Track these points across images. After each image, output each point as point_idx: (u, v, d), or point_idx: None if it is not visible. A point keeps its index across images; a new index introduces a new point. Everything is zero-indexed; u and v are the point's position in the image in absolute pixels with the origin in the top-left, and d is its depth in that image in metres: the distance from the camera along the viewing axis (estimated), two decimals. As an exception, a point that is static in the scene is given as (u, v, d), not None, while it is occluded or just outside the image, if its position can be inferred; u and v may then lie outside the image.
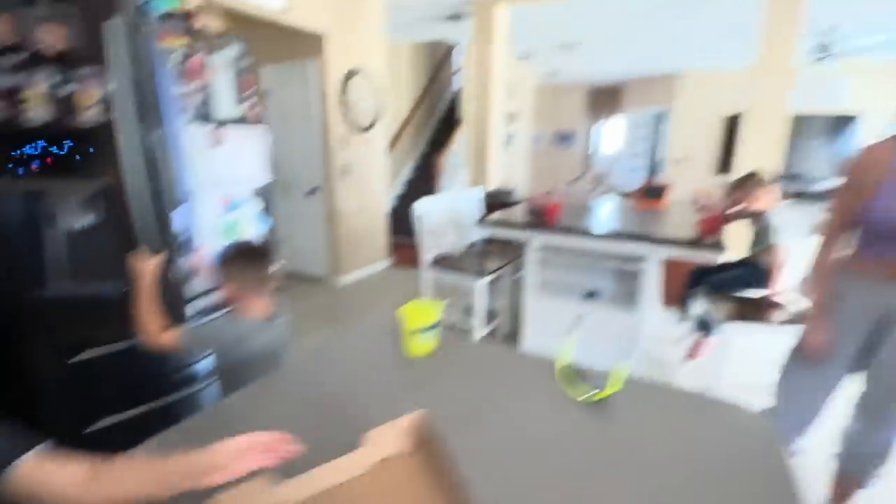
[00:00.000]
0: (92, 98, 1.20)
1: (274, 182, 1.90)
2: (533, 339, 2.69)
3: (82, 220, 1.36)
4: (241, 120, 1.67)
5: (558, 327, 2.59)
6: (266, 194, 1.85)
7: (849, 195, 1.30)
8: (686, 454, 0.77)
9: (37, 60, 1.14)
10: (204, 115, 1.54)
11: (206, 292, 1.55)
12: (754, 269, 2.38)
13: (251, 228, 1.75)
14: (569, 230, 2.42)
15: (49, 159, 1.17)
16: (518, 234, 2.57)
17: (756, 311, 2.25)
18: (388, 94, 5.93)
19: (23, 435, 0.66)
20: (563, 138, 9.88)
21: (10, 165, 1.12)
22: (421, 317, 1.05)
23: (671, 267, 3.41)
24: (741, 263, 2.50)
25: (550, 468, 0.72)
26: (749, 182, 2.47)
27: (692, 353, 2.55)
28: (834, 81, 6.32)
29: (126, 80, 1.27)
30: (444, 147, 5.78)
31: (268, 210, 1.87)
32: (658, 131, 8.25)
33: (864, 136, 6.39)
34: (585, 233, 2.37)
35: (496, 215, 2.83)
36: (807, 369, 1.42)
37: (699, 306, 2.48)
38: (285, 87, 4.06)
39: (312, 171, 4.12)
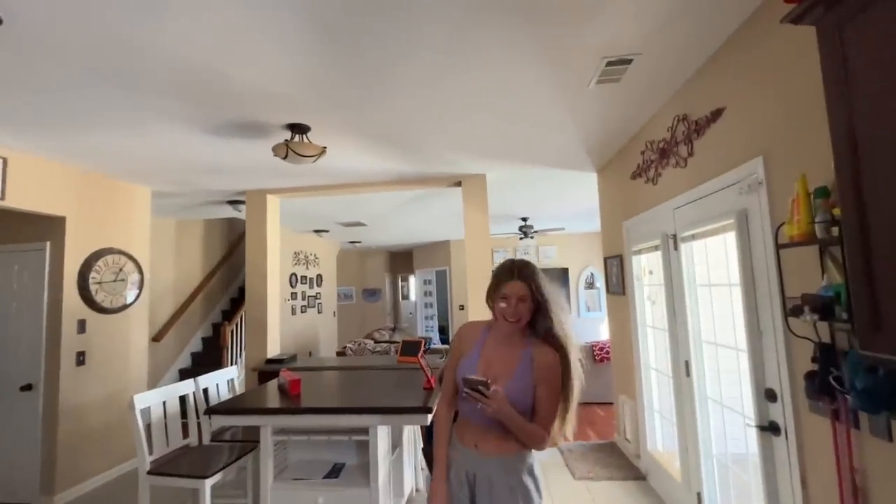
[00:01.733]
0: None
1: None
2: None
3: None
4: None
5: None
6: None
7: (451, 362, 1.46)
8: None
9: None
10: None
11: None
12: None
13: None
14: (291, 410, 2.21)
15: None
16: (248, 420, 2.25)
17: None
18: (170, 268, 5.38)
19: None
20: (371, 293, 10.24)
21: None
22: None
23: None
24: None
25: None
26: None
27: (427, 518, 2.39)
28: (545, 247, 8.24)
29: None
30: (232, 318, 5.27)
31: None
32: (444, 284, 9.23)
33: (572, 281, 8.26)
34: (308, 410, 2.20)
35: (229, 400, 2.47)
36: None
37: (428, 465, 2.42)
38: (5, 271, 3.26)
39: (31, 363, 3.15)
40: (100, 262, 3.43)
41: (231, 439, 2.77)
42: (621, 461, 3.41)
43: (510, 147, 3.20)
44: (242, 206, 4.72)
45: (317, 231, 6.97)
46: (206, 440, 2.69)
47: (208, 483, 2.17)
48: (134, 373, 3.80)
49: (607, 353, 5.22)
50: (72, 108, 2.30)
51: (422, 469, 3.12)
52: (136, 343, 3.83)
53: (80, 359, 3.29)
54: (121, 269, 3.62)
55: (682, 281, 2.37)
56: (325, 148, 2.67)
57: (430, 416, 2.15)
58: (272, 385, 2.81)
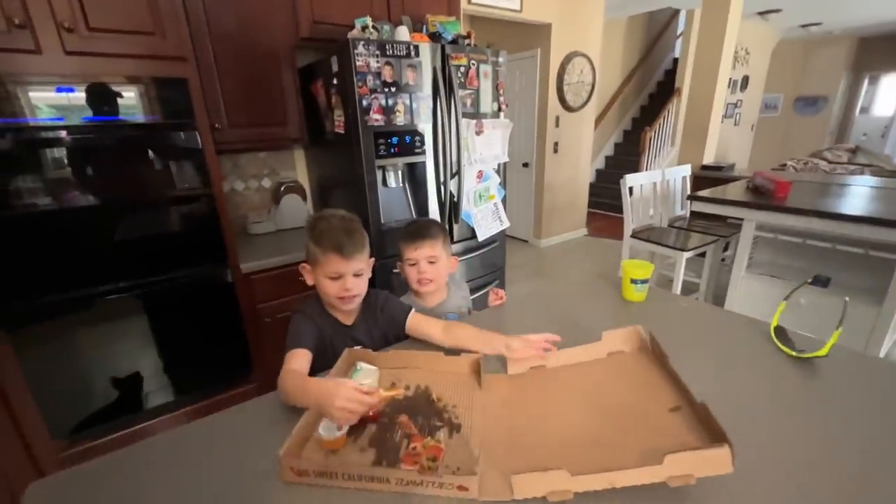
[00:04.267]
0: (424, 110, 1.77)
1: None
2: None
3: (396, 182, 1.91)
4: (495, 113, 2.02)
5: (766, 310, 2.31)
6: (503, 170, 2.20)
7: None
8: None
9: (402, 89, 1.70)
10: (472, 112, 1.94)
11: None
12: None
13: (494, 195, 2.13)
14: (800, 210, 2.09)
15: (396, 147, 1.73)
16: (734, 211, 2.34)
17: None
18: (601, 71, 5.73)
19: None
20: (809, 103, 7.73)
21: (383, 150, 1.70)
22: (638, 271, 1.21)
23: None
24: None
25: (753, 411, 0.77)
26: None
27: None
28: None
29: (440, 97, 1.77)
30: (653, 122, 5.29)
31: (503, 183, 2.23)
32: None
33: None
34: (823, 214, 2.01)
35: (708, 191, 2.60)
36: None
37: None
38: (510, 76, 4.38)
39: (527, 148, 4.41)
40: (569, 65, 4.03)
41: (679, 227, 3.09)
42: None
43: None
44: (690, -11, 4.16)
45: (763, 13, 5.43)
46: (664, 224, 3.10)
47: (685, 255, 2.56)
48: (582, 164, 4.67)
49: None
50: None
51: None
52: (585, 138, 4.58)
53: (555, 147, 4.29)
54: (581, 71, 4.15)
55: None
56: None
57: None
58: (737, 186, 2.78)
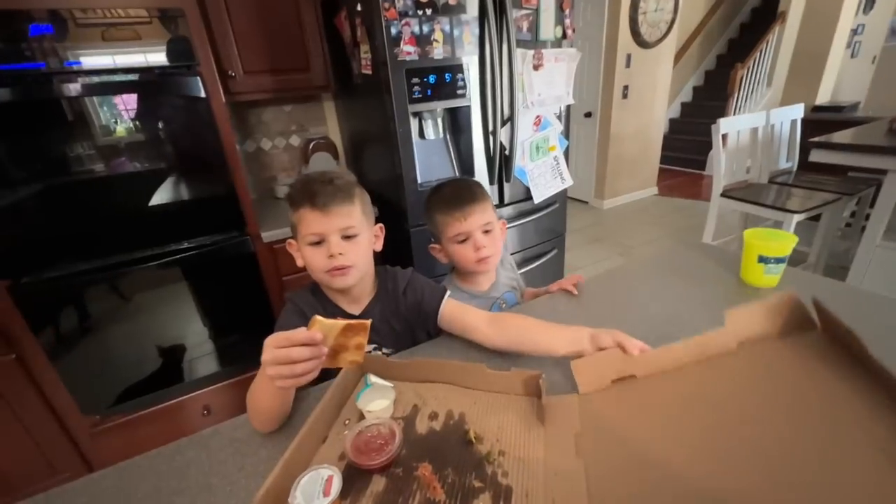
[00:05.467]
0: (468, 38, 1.40)
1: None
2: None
3: (435, 133, 1.61)
4: (558, 41, 1.61)
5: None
6: (567, 117, 1.81)
7: None
8: None
9: (439, 11, 1.34)
10: (529, 39, 1.54)
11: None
12: None
13: (555, 146, 1.76)
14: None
15: (433, 88, 1.41)
16: (878, 161, 1.79)
17: None
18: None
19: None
20: (954, 25, 6.14)
21: (417, 92, 1.39)
22: (771, 245, 0.84)
23: None
24: None
25: None
26: None
27: None
28: None
29: (489, 21, 1.39)
30: (746, 58, 4.40)
31: (566, 132, 1.83)
32: None
33: None
34: None
35: (832, 136, 2.03)
36: None
37: None
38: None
39: (591, 94, 3.84)
40: (646, -11, 3.35)
41: (782, 183, 2.52)
42: None
43: None
44: None
45: None
46: (765, 179, 2.55)
47: (796, 218, 2.05)
48: (656, 111, 4.02)
49: None
50: None
51: None
52: (661, 80, 3.91)
53: (625, 92, 3.69)
54: (661, -3, 3.46)
55: None
56: None
57: None
58: (871, 129, 2.17)
